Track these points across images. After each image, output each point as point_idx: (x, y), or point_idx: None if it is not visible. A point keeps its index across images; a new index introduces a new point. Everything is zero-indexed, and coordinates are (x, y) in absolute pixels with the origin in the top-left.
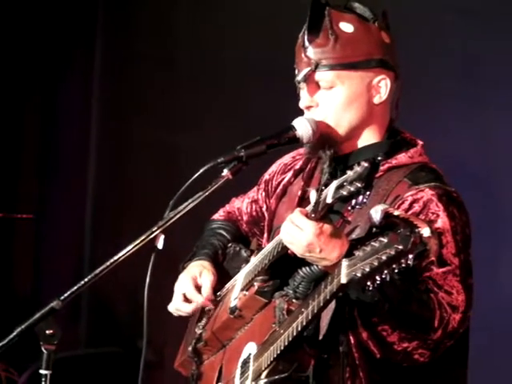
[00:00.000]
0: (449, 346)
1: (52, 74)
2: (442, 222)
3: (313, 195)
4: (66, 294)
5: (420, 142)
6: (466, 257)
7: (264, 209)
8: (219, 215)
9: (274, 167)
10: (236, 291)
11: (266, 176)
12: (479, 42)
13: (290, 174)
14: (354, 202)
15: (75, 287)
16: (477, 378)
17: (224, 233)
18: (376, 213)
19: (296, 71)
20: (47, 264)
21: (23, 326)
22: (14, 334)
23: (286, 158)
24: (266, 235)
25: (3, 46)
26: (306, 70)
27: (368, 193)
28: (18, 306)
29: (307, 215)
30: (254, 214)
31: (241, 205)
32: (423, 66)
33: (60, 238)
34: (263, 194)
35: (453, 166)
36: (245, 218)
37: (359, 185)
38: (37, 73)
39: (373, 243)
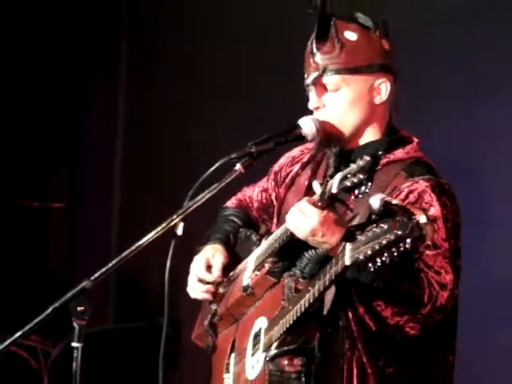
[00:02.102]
0: (439, 321)
1: (81, 71)
2: (435, 210)
3: (316, 186)
4: (95, 275)
5: (415, 140)
6: (456, 242)
7: (273, 197)
8: (231, 203)
9: (282, 160)
10: (248, 272)
11: (276, 168)
12: (467, 39)
13: (297, 166)
14: (356, 192)
15: (104, 269)
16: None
17: (235, 219)
18: (375, 201)
19: (305, 75)
20: (79, 247)
21: (57, 304)
22: (49, 310)
23: (295, 152)
24: (275, 220)
25: (43, 49)
26: (314, 75)
27: (369, 184)
28: (52, 285)
29: (314, 203)
30: (264, 201)
31: (251, 193)
32: (417, 69)
33: (90, 223)
34: (272, 183)
35: (445, 160)
36: (255, 205)
37: (362, 176)
38: (67, 70)
39: (374, 229)
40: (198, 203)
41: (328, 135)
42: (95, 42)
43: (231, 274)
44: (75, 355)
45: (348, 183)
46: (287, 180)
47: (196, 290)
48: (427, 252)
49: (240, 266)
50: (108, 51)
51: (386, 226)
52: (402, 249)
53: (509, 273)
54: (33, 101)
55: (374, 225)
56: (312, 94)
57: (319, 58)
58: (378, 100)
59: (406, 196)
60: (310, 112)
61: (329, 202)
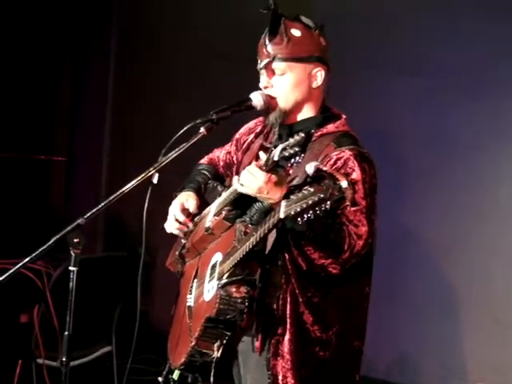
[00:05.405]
0: (358, 262)
1: (79, 48)
2: (356, 174)
3: (262, 155)
4: (88, 214)
5: (344, 116)
6: (372, 200)
7: (234, 158)
8: (204, 160)
9: (242, 130)
10: (210, 216)
11: (237, 136)
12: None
13: (252, 136)
14: (292, 160)
15: (95, 209)
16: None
17: (206, 173)
18: (310, 167)
19: (259, 61)
20: (75, 192)
21: (58, 236)
22: (51, 241)
23: (251, 124)
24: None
25: (47, 27)
26: (266, 61)
27: (302, 155)
28: (53, 221)
29: (260, 167)
30: (228, 161)
31: (219, 154)
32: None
33: (84, 174)
34: (234, 148)
35: (367, 133)
36: (221, 163)
37: (297, 149)
38: (68, 45)
39: (303, 191)
40: (170, 158)
41: (275, 109)
42: (91, 26)
43: (197, 217)
44: (71, 277)
45: (286, 153)
46: (244, 146)
47: (172, 226)
48: (349, 208)
49: (204, 212)
50: (100, 38)
51: (312, 190)
52: (323, 209)
53: (412, 224)
54: (40, 68)
55: (306, 187)
56: (263, 76)
57: (270, 48)
58: (314, 84)
59: (335, 162)
60: (257, 88)
61: (271, 167)
